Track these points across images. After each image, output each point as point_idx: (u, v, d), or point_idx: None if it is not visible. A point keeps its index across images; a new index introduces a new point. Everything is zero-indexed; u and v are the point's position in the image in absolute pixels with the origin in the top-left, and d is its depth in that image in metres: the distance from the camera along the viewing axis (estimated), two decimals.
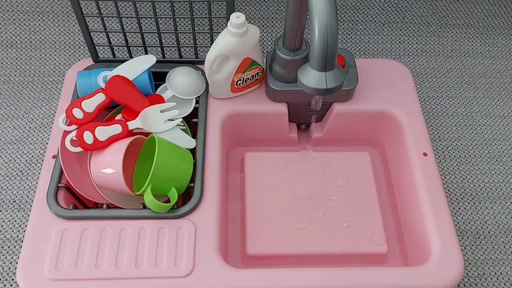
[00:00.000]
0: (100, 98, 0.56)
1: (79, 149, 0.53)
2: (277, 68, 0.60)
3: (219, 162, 0.58)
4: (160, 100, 0.60)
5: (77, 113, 0.55)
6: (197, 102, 0.63)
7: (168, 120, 0.58)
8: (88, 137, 0.53)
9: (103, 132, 0.54)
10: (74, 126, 0.55)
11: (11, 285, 0.61)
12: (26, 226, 0.59)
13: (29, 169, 0.70)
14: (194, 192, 0.55)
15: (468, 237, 0.68)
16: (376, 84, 0.66)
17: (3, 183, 0.69)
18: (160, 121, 0.57)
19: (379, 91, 0.66)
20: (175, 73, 0.62)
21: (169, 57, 0.67)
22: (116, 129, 0.55)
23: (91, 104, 0.55)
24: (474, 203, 0.71)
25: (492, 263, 0.66)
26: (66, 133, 0.56)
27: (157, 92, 0.63)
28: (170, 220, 0.53)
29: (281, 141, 0.69)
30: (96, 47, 0.64)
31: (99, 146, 0.53)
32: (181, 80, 0.61)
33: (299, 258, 0.60)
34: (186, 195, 0.60)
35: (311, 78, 0.44)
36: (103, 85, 0.57)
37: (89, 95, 0.56)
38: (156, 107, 0.58)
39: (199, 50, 0.66)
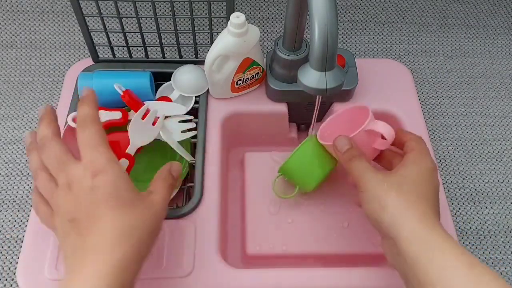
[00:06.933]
0: (115, 115, 0.56)
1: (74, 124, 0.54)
2: (277, 68, 0.60)
3: (219, 162, 0.58)
4: (168, 101, 0.61)
5: None
6: (196, 102, 0.63)
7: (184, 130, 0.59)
8: None
9: (103, 116, 0.55)
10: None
11: (11, 285, 0.61)
12: (26, 226, 0.59)
13: (29, 169, 0.70)
14: (195, 192, 0.55)
15: (468, 237, 0.68)
16: (376, 84, 0.66)
17: (3, 183, 0.69)
18: (178, 131, 0.59)
19: (379, 91, 0.66)
20: (181, 71, 0.62)
21: (169, 57, 0.67)
22: (116, 115, 0.56)
23: (105, 116, 0.56)
24: (474, 203, 0.71)
25: (492, 263, 0.66)
26: (68, 132, 0.56)
27: (159, 91, 0.63)
28: (170, 220, 0.53)
29: (281, 141, 0.69)
30: (96, 47, 0.64)
31: None
32: (187, 78, 0.62)
33: (299, 258, 0.60)
34: (186, 195, 0.60)
35: (311, 78, 0.44)
36: (120, 92, 0.57)
37: (110, 108, 0.57)
38: (175, 118, 0.59)
39: (199, 50, 0.66)
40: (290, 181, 0.62)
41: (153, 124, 0.57)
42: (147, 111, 0.56)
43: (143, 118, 0.56)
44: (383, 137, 0.51)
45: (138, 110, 0.56)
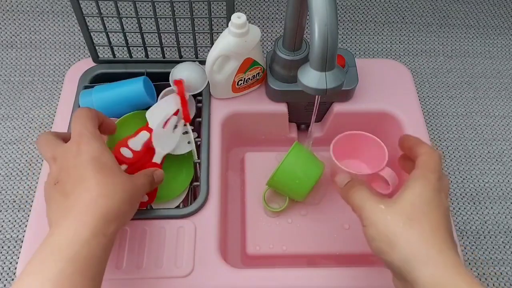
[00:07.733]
0: (144, 136, 0.55)
1: (124, 166, 0.53)
2: (277, 68, 0.60)
3: (219, 162, 0.58)
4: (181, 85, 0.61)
5: (126, 153, 0.54)
6: (199, 102, 0.63)
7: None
8: (126, 152, 0.53)
9: (135, 142, 0.55)
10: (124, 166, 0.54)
11: (11, 285, 0.61)
12: (26, 226, 0.59)
13: (29, 169, 0.70)
14: (200, 192, 0.55)
15: (468, 237, 0.68)
16: (376, 84, 0.66)
17: (3, 183, 0.69)
18: (184, 142, 0.58)
19: (379, 91, 0.66)
20: (178, 69, 0.61)
21: (169, 57, 0.67)
22: (144, 137, 0.55)
23: (137, 142, 0.55)
24: (474, 203, 0.71)
25: (492, 263, 0.66)
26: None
27: (162, 93, 0.62)
28: (171, 220, 0.53)
29: (281, 141, 0.69)
30: (96, 47, 0.64)
31: (139, 155, 0.54)
32: (186, 76, 0.61)
33: (299, 258, 0.60)
34: (191, 196, 0.60)
35: (311, 78, 0.44)
36: (177, 78, 0.59)
37: (134, 134, 0.55)
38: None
39: (199, 50, 0.66)
40: (280, 192, 0.63)
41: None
42: (168, 120, 0.57)
43: (164, 127, 0.56)
44: (387, 183, 0.53)
45: (183, 98, 0.58)
